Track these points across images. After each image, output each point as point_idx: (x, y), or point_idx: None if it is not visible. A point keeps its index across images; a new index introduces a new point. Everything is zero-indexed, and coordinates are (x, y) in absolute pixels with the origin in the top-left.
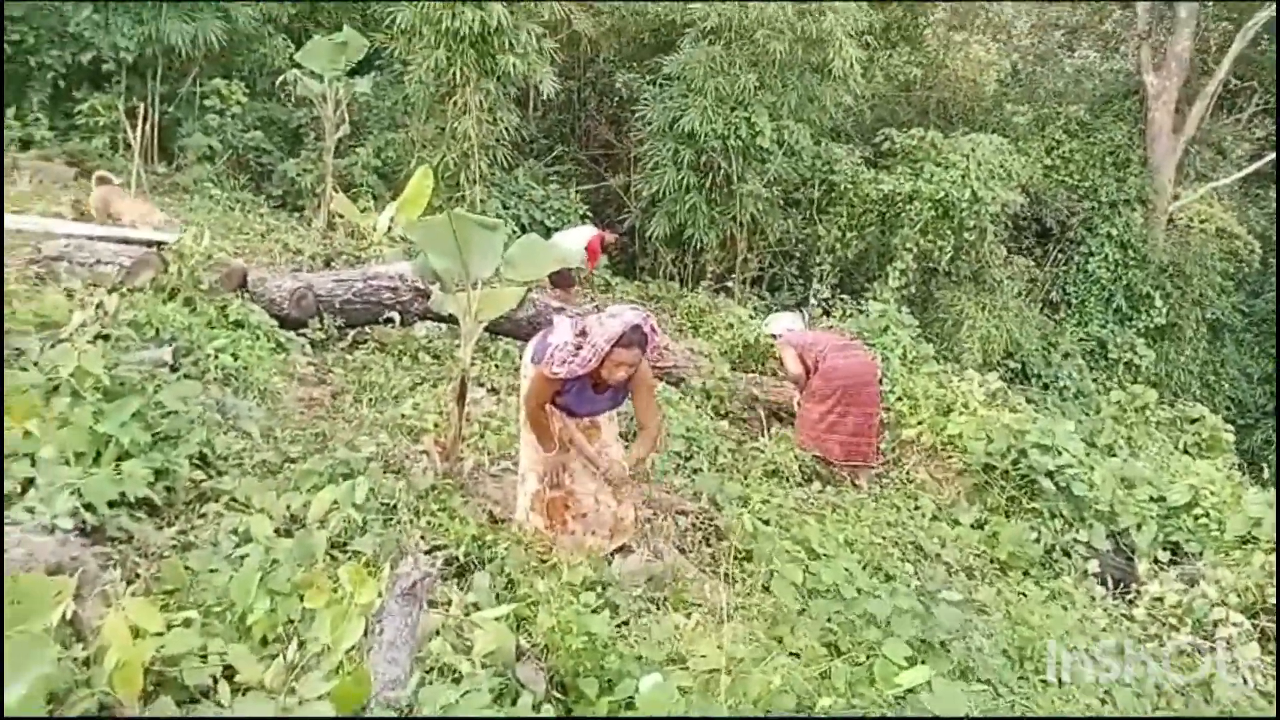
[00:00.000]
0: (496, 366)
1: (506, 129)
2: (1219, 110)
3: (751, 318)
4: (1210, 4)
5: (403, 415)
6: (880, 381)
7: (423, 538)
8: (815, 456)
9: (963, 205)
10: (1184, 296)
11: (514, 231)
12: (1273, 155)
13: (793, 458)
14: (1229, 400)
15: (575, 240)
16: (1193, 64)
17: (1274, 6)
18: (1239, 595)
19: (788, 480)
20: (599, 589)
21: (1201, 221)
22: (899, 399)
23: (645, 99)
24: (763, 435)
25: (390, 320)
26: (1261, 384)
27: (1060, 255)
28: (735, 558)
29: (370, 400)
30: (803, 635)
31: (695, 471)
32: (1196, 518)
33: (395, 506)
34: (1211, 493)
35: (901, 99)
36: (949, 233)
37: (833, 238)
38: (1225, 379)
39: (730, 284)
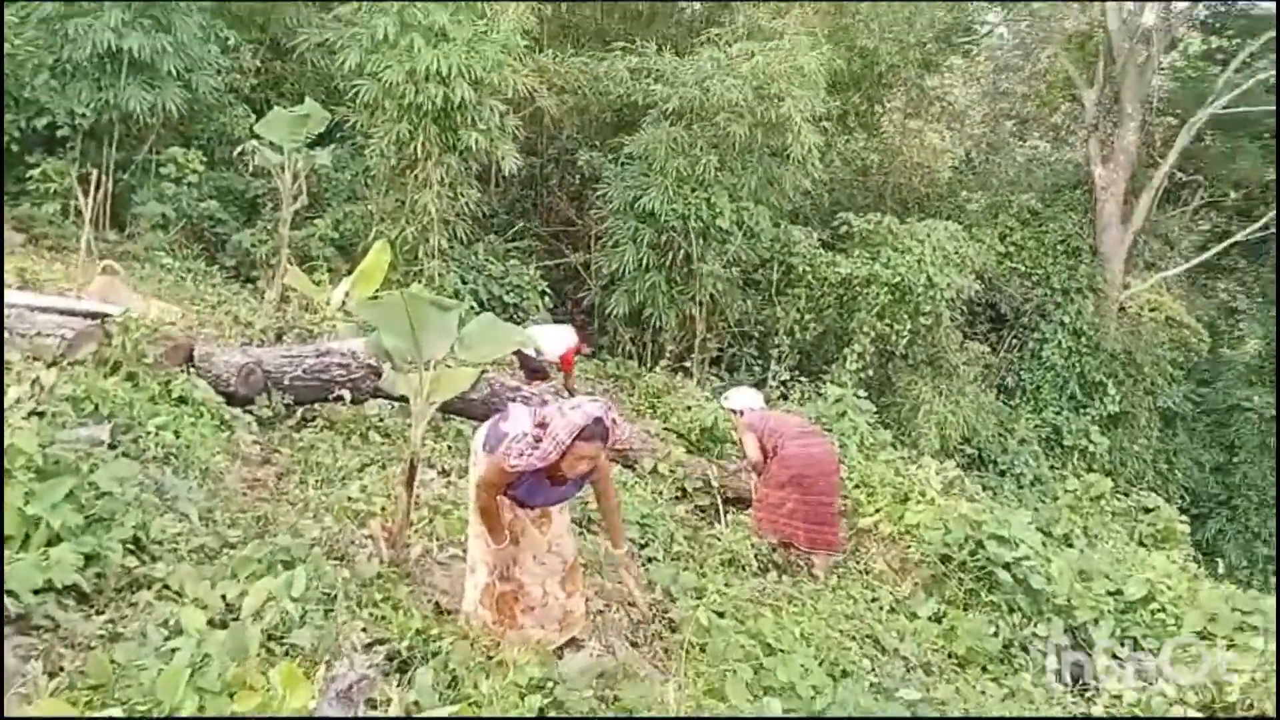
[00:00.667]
0: (449, 448)
1: (467, 204)
2: (1165, 203)
3: (709, 399)
4: (1154, 101)
5: (349, 498)
6: (839, 469)
7: (364, 630)
8: (772, 545)
9: (919, 290)
10: (1136, 385)
11: (472, 308)
12: (1220, 247)
13: (749, 545)
14: (1182, 490)
15: (554, 343)
16: (1139, 157)
17: (1215, 105)
18: (1196, 693)
19: (744, 569)
20: (547, 688)
21: (1151, 310)
22: (856, 486)
23: (607, 177)
24: (719, 522)
25: (341, 398)
26: (1214, 473)
27: (1015, 341)
28: (688, 654)
29: (316, 482)
30: None
31: (650, 560)
32: (1153, 612)
33: (336, 598)
34: (1168, 586)
35: (859, 184)
36: (905, 317)
37: (791, 319)
38: (1178, 468)
39: (689, 364)
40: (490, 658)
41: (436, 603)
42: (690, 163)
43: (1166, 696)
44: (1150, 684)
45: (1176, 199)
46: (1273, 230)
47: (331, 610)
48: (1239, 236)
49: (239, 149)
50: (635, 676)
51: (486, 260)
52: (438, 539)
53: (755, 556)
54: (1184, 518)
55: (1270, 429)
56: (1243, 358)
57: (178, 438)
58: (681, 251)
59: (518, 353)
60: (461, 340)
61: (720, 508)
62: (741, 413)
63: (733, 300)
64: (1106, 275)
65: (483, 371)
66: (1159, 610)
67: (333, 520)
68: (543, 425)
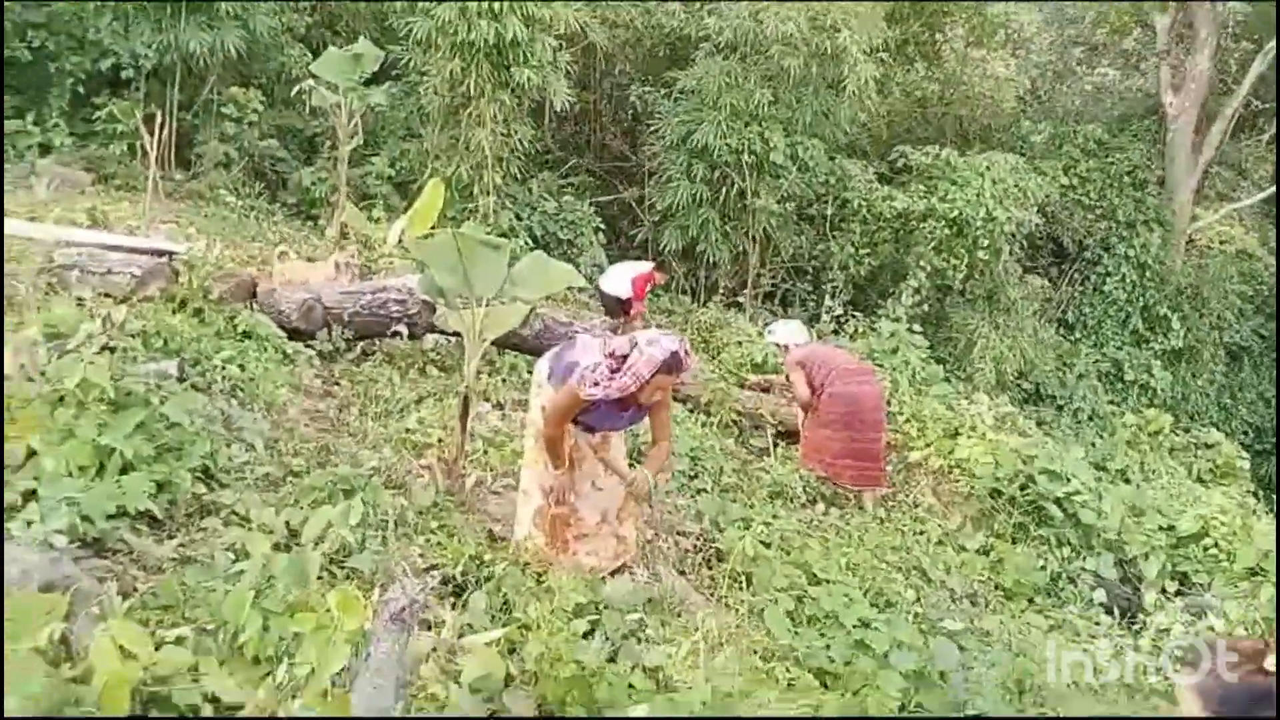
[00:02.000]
0: (504, 381)
1: (521, 141)
2: (1239, 131)
3: (761, 335)
4: (1230, 26)
5: (407, 430)
6: (887, 405)
7: (420, 556)
8: (820, 478)
9: (977, 224)
10: (1202, 319)
11: (527, 244)
12: None
13: (798, 478)
14: (1246, 426)
15: (624, 276)
16: (1212, 84)
17: None
18: (1246, 629)
19: (792, 501)
20: (594, 612)
21: (1221, 243)
22: (907, 420)
23: (660, 113)
24: (768, 455)
25: (398, 333)
26: None
27: (1076, 275)
28: (735, 582)
29: (375, 414)
30: (795, 666)
31: (699, 492)
32: (1205, 548)
33: (393, 524)
34: (1222, 523)
35: (917, 116)
36: (963, 252)
37: (846, 255)
38: (1243, 404)
39: (742, 299)
40: (540, 582)
41: (490, 530)
42: (744, 97)
43: (1215, 632)
44: (1199, 619)
45: (1251, 127)
46: None
47: (388, 537)
48: None
49: (297, 88)
50: (680, 602)
51: (541, 197)
52: (492, 469)
53: (804, 489)
54: (1245, 454)
55: None
56: None
57: (243, 371)
58: (735, 187)
59: (599, 290)
60: (512, 278)
61: (770, 440)
62: (787, 348)
63: (786, 235)
64: (1174, 207)
65: (534, 308)
66: (1212, 546)
67: (391, 451)
68: (615, 356)
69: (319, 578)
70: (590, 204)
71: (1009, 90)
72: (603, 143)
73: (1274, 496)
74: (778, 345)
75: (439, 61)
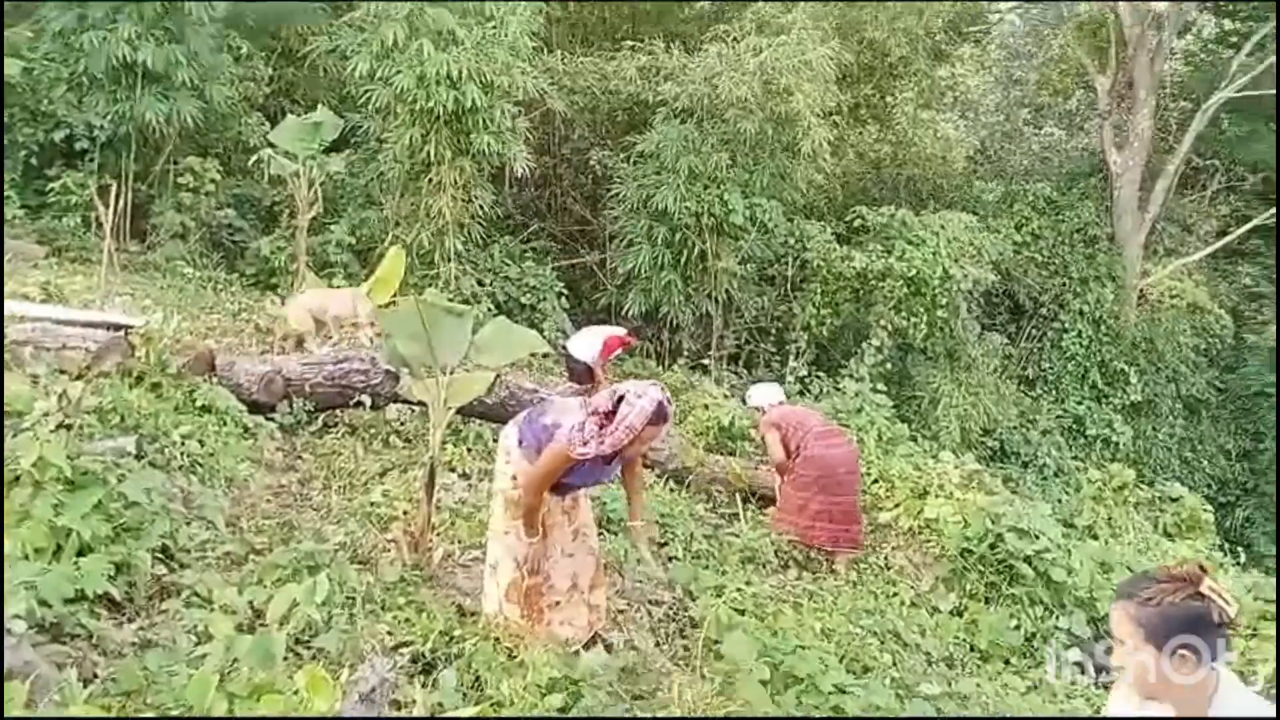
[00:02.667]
0: (469, 450)
1: (481, 206)
2: (1183, 188)
3: (728, 397)
4: (1168, 86)
5: (372, 503)
6: (857, 462)
7: (389, 634)
8: (791, 542)
9: (935, 282)
10: (1159, 373)
11: (489, 310)
12: (1240, 231)
13: (769, 543)
14: (1209, 478)
15: (593, 341)
16: (1154, 143)
17: (1230, 88)
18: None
19: (764, 567)
20: (568, 686)
21: (1172, 297)
22: (875, 481)
23: (619, 176)
24: (738, 519)
25: (361, 404)
26: (1240, 460)
27: (1034, 331)
28: (709, 650)
29: (339, 487)
30: None
31: (671, 559)
32: None
33: (360, 602)
34: None
35: (872, 176)
36: (922, 309)
37: (808, 315)
38: (1204, 456)
39: (707, 361)
40: (512, 657)
41: (459, 605)
42: (702, 160)
43: None
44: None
45: (1194, 184)
46: None
47: (356, 614)
48: (1258, 220)
49: (254, 157)
50: (656, 672)
51: (503, 262)
52: (459, 542)
53: (775, 553)
54: (1209, 506)
55: None
56: (1267, 343)
57: (202, 446)
58: (696, 249)
59: (566, 355)
60: (476, 345)
61: (740, 505)
62: (764, 410)
63: (749, 297)
64: (1125, 263)
65: (498, 375)
66: None
67: (356, 525)
68: (600, 413)
69: (285, 658)
70: (552, 269)
71: (960, 150)
72: (564, 207)
73: (1239, 549)
74: (755, 409)
75: (398, 129)
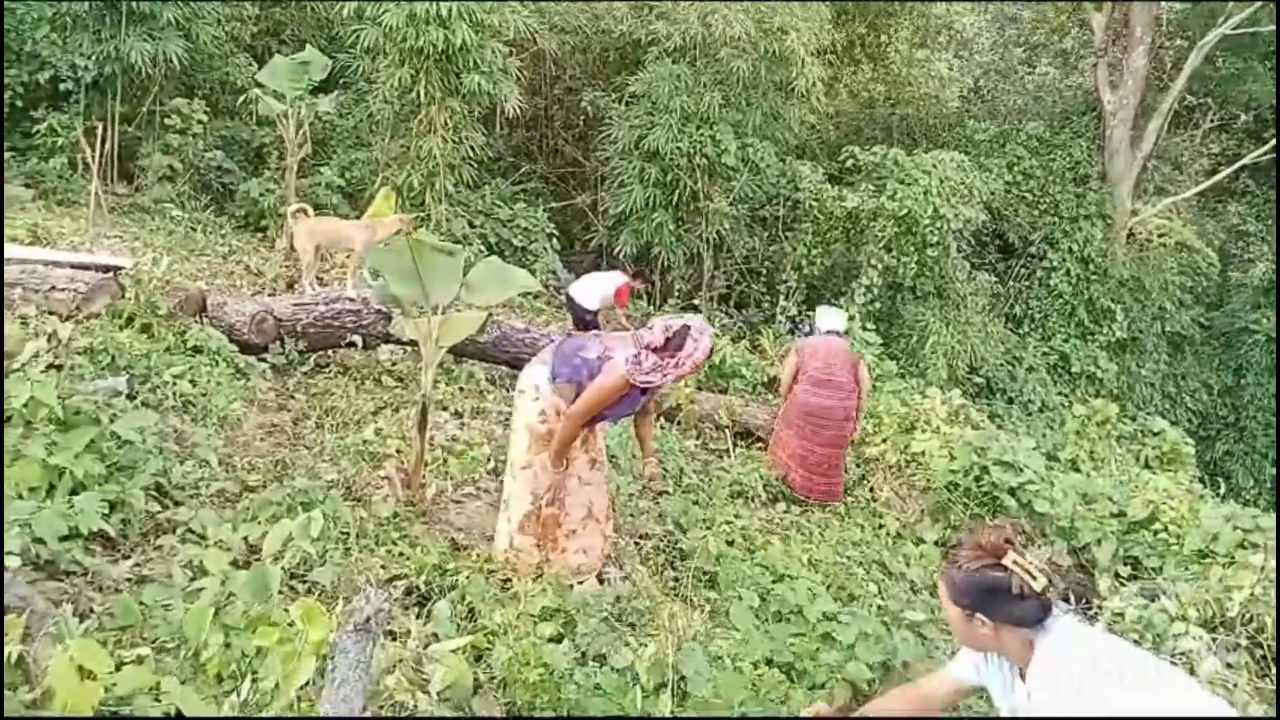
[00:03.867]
0: (460, 390)
1: (472, 148)
2: (1175, 126)
3: (718, 336)
4: (1164, 24)
5: (364, 441)
6: (853, 419)
7: (383, 567)
8: (779, 477)
9: (925, 221)
10: (1144, 310)
11: (480, 251)
12: (1230, 170)
13: (758, 478)
14: (1190, 413)
15: (597, 287)
16: (1149, 81)
17: (1225, 26)
18: (1198, 610)
19: (753, 501)
20: (561, 616)
21: (1160, 236)
22: (864, 417)
23: (611, 117)
24: (728, 455)
25: (353, 344)
26: (1222, 396)
27: (1023, 270)
28: (700, 581)
29: (332, 426)
30: (762, 661)
31: (662, 494)
32: (1155, 532)
33: (354, 536)
34: (1170, 507)
35: (865, 116)
36: (913, 249)
37: (799, 255)
38: (1186, 392)
39: (697, 301)
40: (505, 589)
41: (452, 539)
42: (694, 100)
43: (1169, 613)
44: (1153, 602)
45: (1187, 122)
46: None
47: (350, 549)
48: (1248, 159)
49: (242, 98)
50: (648, 600)
51: (494, 204)
52: (452, 479)
53: (764, 488)
54: (1190, 440)
55: None
56: (1251, 281)
57: (194, 386)
58: (688, 190)
59: (569, 304)
60: (468, 284)
61: (730, 441)
62: (799, 342)
63: (740, 237)
64: (1115, 202)
65: (489, 314)
66: (1161, 530)
67: (349, 463)
68: (650, 348)
69: (280, 593)
70: (544, 210)
71: (953, 90)
72: (555, 148)
73: (1219, 481)
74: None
75: (387, 69)
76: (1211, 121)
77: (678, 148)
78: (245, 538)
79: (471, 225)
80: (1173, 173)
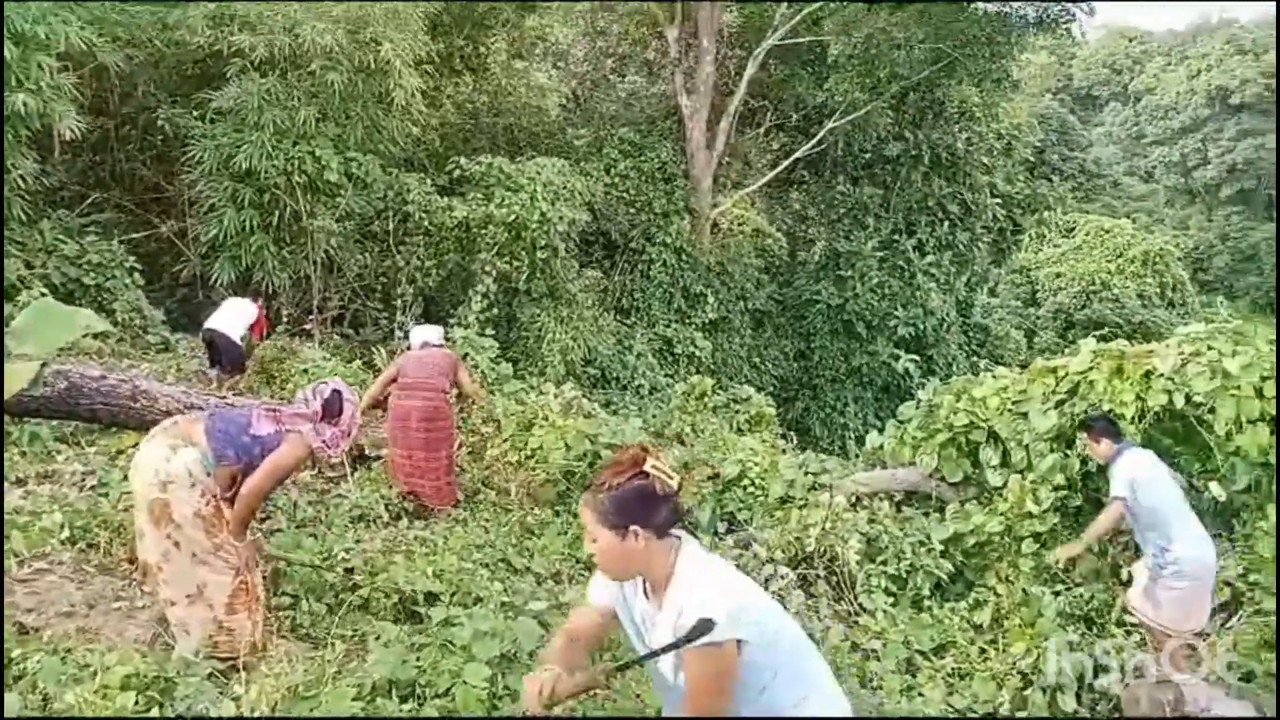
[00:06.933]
0: (23, 454)
1: (22, 177)
2: (743, 127)
3: (327, 359)
4: (725, 36)
5: None
6: (445, 419)
7: None
8: (400, 492)
9: (534, 226)
10: (730, 292)
11: (43, 294)
12: (787, 163)
13: (379, 499)
14: (773, 379)
15: (240, 318)
16: (717, 87)
17: (774, 36)
18: (783, 551)
19: (375, 523)
20: (155, 683)
21: (739, 224)
22: (483, 422)
23: (194, 136)
24: (346, 480)
25: None
26: (796, 360)
27: (626, 264)
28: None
29: None
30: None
31: (274, 532)
32: (745, 487)
33: None
34: (755, 463)
35: (470, 127)
36: (524, 253)
37: (413, 268)
38: (768, 360)
39: (309, 326)
40: (80, 665)
41: (19, 623)
42: (288, 115)
43: (759, 558)
44: (747, 549)
45: (751, 123)
46: (827, 146)
47: None
48: (800, 153)
49: None
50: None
51: (56, 240)
52: (16, 555)
53: (385, 507)
54: (773, 403)
55: (837, 315)
56: (814, 258)
57: None
58: (288, 209)
59: (213, 343)
60: (14, 331)
61: (349, 466)
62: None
63: (350, 255)
64: (699, 196)
65: (45, 363)
66: (749, 485)
67: None
68: (316, 416)
69: None
70: (120, 242)
71: (553, 99)
72: (130, 173)
73: (797, 436)
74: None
75: None
76: (770, 121)
77: (273, 165)
78: None
79: (29, 266)
80: (744, 168)
